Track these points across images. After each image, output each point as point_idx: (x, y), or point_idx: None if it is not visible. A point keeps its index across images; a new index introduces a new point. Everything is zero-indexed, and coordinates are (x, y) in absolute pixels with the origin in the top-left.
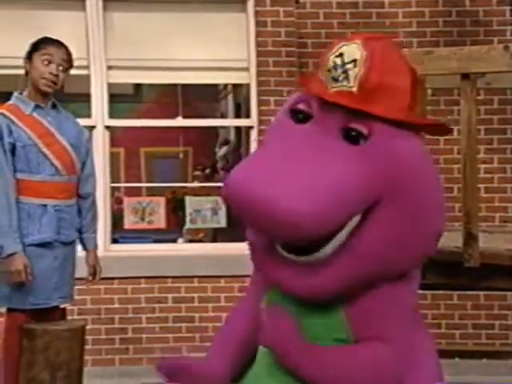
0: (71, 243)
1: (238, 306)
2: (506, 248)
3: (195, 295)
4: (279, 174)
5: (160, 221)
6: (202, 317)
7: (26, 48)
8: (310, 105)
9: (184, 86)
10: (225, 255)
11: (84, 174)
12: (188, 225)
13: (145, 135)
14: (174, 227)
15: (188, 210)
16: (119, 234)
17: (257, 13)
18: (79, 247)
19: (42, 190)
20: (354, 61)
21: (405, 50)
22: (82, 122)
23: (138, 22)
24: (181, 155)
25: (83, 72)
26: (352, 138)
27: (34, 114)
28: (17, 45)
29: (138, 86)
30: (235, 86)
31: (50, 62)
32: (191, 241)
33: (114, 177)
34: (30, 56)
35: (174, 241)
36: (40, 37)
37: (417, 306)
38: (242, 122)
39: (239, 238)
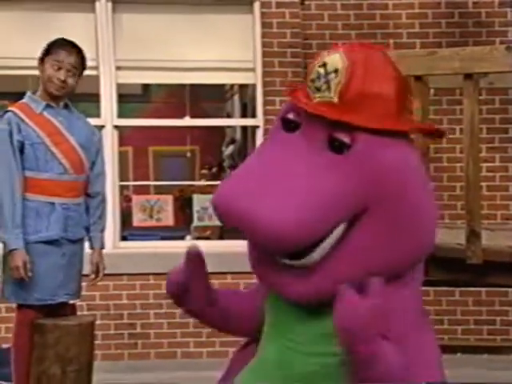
0: (79, 241)
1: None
2: (508, 245)
3: None
4: (263, 188)
5: (168, 218)
6: None
7: (41, 48)
8: (299, 114)
9: (191, 86)
10: (231, 252)
11: (94, 173)
12: (195, 222)
13: (153, 134)
14: (182, 225)
15: (195, 208)
16: (128, 231)
17: (263, 14)
18: (87, 245)
19: (49, 188)
20: (336, 71)
21: (408, 50)
22: (92, 121)
23: (146, 24)
24: (188, 154)
25: (92, 72)
26: (336, 147)
27: (45, 113)
28: (28, 46)
29: (146, 87)
30: (241, 86)
31: (59, 68)
32: (198, 238)
33: (123, 175)
34: (42, 58)
35: (182, 238)
36: (56, 38)
37: (420, 307)
38: (248, 122)
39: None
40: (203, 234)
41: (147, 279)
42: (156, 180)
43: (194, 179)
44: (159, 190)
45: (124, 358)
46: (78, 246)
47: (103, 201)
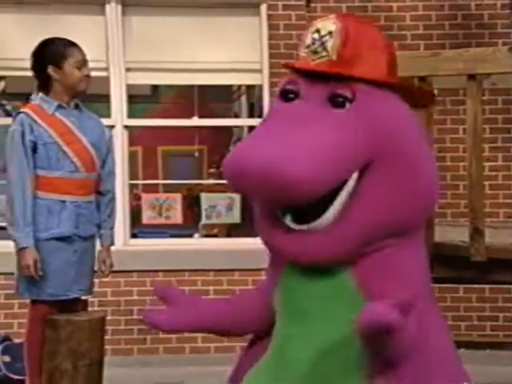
0: (90, 238)
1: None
2: (511, 243)
3: (211, 288)
4: (273, 143)
5: (176, 216)
6: None
7: (46, 55)
8: (297, 83)
9: (199, 86)
10: (239, 250)
11: (104, 171)
12: (203, 220)
13: (162, 134)
14: (190, 223)
15: (203, 206)
16: (138, 229)
17: (269, 16)
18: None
19: (60, 186)
20: (330, 33)
21: (412, 52)
22: (102, 121)
23: (155, 26)
24: (196, 153)
25: (103, 74)
26: (338, 103)
27: (57, 114)
28: None
29: (155, 87)
30: (248, 87)
31: (80, 66)
32: (207, 236)
33: (133, 174)
34: (58, 64)
35: (191, 236)
36: (55, 43)
37: (428, 275)
38: (255, 122)
39: (253, 233)
40: (211, 231)
41: (157, 276)
42: (165, 179)
43: (201, 178)
44: (168, 189)
45: (134, 353)
46: (89, 242)
47: (113, 199)
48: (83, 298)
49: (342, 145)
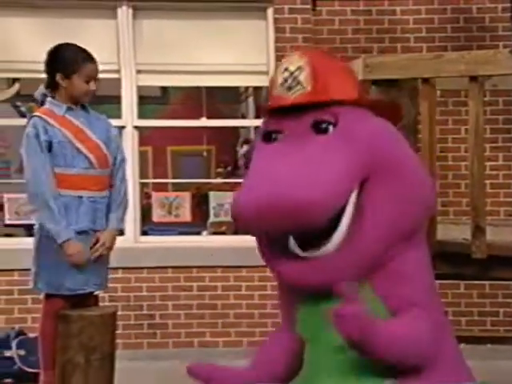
0: None
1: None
2: None
3: (218, 284)
4: (274, 178)
5: (185, 214)
6: (224, 304)
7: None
8: (278, 122)
9: (208, 88)
10: (246, 247)
11: (115, 168)
12: (212, 218)
13: (171, 135)
14: (199, 220)
15: (212, 205)
16: (148, 226)
17: (276, 20)
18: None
19: (77, 182)
20: (299, 67)
21: (415, 54)
22: (113, 122)
23: (165, 29)
24: (205, 153)
25: (114, 76)
26: (322, 129)
27: (67, 115)
28: None
29: (165, 89)
30: (255, 88)
31: (89, 80)
32: (215, 233)
33: (143, 173)
34: (67, 74)
35: (199, 233)
36: (71, 52)
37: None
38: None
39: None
40: (219, 229)
41: (166, 272)
42: (174, 178)
43: (210, 177)
44: (177, 188)
45: (144, 346)
46: None
47: (124, 191)
48: (96, 293)
49: (340, 163)
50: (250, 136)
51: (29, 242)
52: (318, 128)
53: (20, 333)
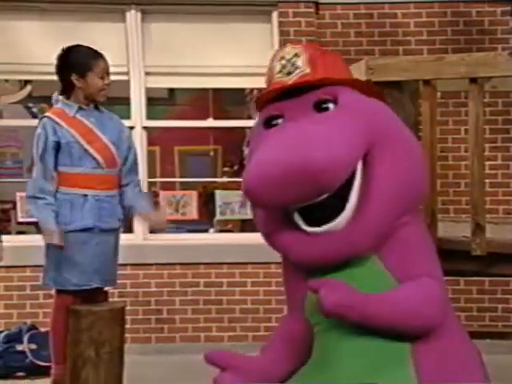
0: (111, 231)
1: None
2: (511, 238)
3: (224, 280)
4: (283, 146)
5: (192, 212)
6: (230, 300)
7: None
8: (279, 107)
9: (214, 90)
10: (252, 244)
11: (126, 167)
12: (218, 216)
13: (178, 135)
14: (206, 218)
15: (218, 203)
16: None
17: (280, 23)
18: (122, 236)
19: (82, 181)
20: (296, 54)
21: (417, 56)
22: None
23: (173, 32)
24: (211, 153)
25: (123, 78)
26: (324, 108)
27: (77, 116)
28: None
29: (172, 91)
30: (260, 90)
31: (102, 76)
32: (221, 231)
33: (151, 172)
34: (82, 74)
35: (206, 231)
36: (82, 52)
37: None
38: None
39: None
40: (225, 227)
41: (174, 269)
42: (181, 177)
43: (216, 176)
44: (184, 187)
45: (152, 341)
46: (111, 235)
47: (139, 184)
48: (105, 289)
49: (346, 129)
50: None
51: (40, 239)
52: (320, 107)
53: (32, 327)
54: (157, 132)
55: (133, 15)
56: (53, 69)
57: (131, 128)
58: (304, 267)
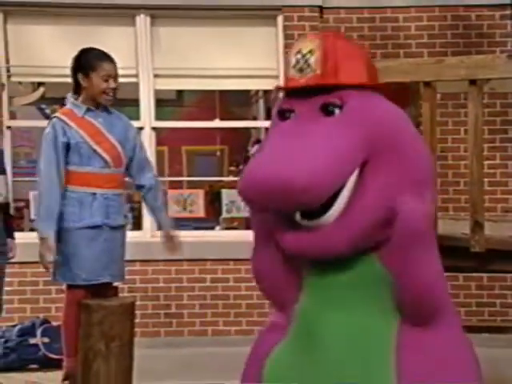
0: (119, 227)
1: None
2: (509, 235)
3: (230, 276)
4: (278, 160)
5: (199, 210)
6: (236, 295)
7: (80, 62)
8: (291, 101)
9: (221, 91)
10: None
11: (133, 168)
12: (224, 214)
13: (186, 135)
14: (212, 216)
15: (224, 201)
16: None
17: (285, 27)
18: (129, 233)
19: (91, 180)
20: (311, 50)
21: (417, 59)
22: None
23: (181, 36)
24: (218, 153)
25: (133, 80)
26: (330, 112)
27: (86, 116)
28: None
29: (180, 92)
30: (266, 91)
31: (107, 79)
32: (227, 228)
33: (159, 172)
34: (87, 73)
35: (212, 228)
36: (91, 53)
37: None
38: None
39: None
40: (231, 224)
41: (181, 265)
42: (189, 176)
43: (222, 175)
44: (192, 185)
45: (160, 335)
46: (118, 232)
47: (157, 189)
48: (114, 284)
49: (341, 148)
50: (260, 136)
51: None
52: (326, 110)
53: (44, 321)
54: (165, 132)
55: (142, 20)
56: (65, 71)
57: (140, 129)
58: (296, 258)
